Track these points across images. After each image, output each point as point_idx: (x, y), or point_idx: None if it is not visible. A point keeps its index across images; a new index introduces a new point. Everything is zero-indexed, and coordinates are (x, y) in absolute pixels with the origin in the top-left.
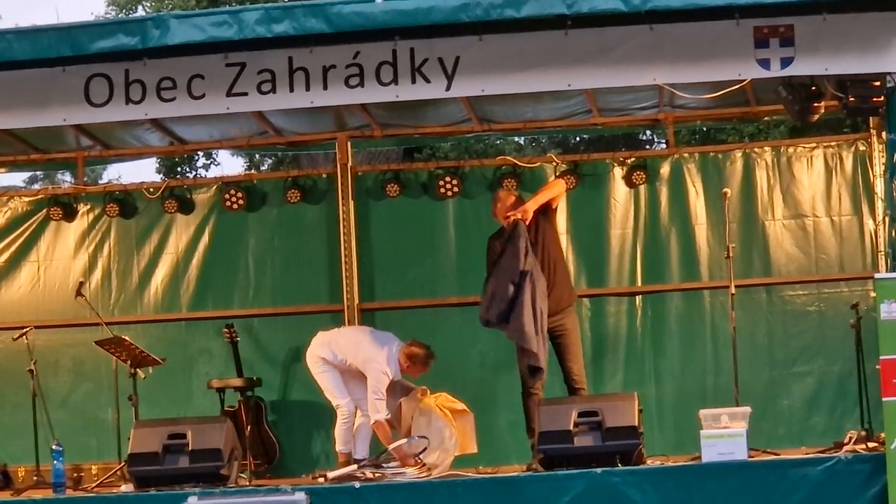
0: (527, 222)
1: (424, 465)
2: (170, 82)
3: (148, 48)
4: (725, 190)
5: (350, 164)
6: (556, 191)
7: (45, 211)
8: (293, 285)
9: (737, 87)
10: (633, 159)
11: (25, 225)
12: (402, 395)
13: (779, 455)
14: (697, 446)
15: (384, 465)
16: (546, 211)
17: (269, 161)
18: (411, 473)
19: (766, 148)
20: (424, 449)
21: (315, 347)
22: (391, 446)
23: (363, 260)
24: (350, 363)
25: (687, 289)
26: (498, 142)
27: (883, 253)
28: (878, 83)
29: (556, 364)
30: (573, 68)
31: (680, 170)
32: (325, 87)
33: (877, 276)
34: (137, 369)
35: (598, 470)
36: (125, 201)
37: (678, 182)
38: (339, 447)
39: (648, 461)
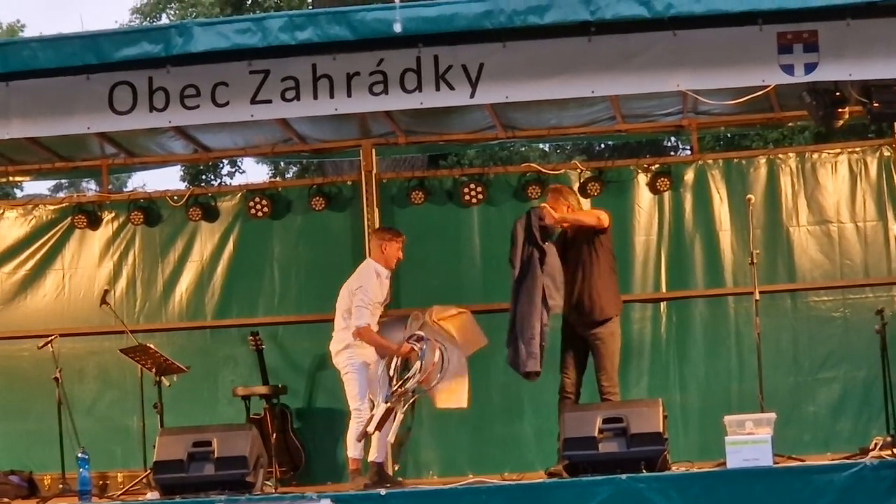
0: (549, 222)
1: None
2: (193, 90)
3: (171, 56)
4: (749, 196)
5: (374, 171)
6: (591, 221)
7: (69, 219)
8: (318, 292)
9: (761, 92)
10: (657, 166)
11: (50, 233)
12: (401, 331)
13: (804, 461)
14: (722, 452)
15: (410, 387)
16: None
17: (294, 168)
18: (435, 382)
19: (791, 154)
20: (423, 338)
21: (333, 346)
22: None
23: None
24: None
25: (711, 295)
26: (523, 149)
27: None
28: None
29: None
30: (597, 75)
31: (704, 176)
32: (350, 95)
33: None
34: (162, 377)
35: (624, 476)
36: (150, 209)
37: (702, 188)
38: (352, 453)
39: (673, 467)
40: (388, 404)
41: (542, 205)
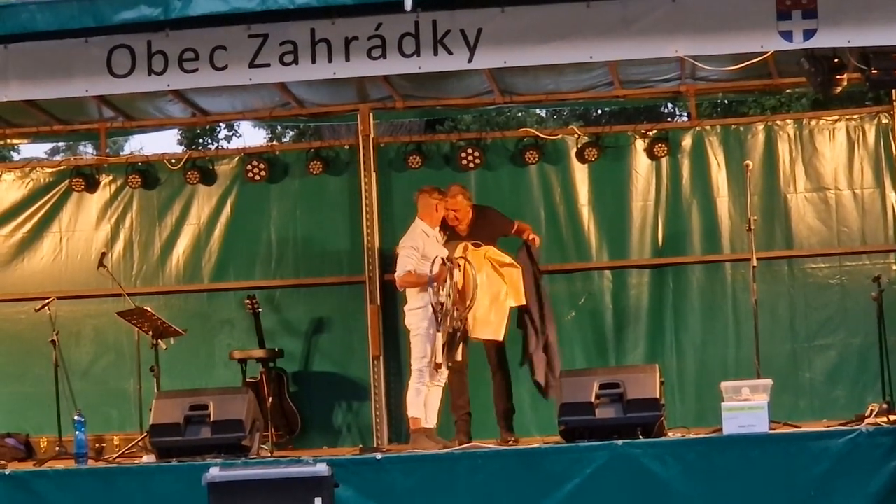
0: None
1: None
2: (192, 53)
3: (170, 19)
4: (747, 162)
5: (372, 135)
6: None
7: (67, 182)
8: (315, 256)
9: (759, 59)
10: (654, 132)
11: (48, 196)
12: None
13: (800, 428)
14: (719, 418)
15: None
16: None
17: (291, 132)
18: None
19: (789, 120)
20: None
21: (406, 307)
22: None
23: (385, 231)
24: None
25: (708, 261)
26: (519, 114)
27: None
28: None
29: (578, 338)
30: (595, 40)
31: (702, 142)
32: (348, 59)
33: None
34: (159, 340)
35: (620, 442)
36: (147, 172)
37: (700, 154)
38: (412, 413)
39: (670, 433)
40: (441, 332)
41: (533, 236)
